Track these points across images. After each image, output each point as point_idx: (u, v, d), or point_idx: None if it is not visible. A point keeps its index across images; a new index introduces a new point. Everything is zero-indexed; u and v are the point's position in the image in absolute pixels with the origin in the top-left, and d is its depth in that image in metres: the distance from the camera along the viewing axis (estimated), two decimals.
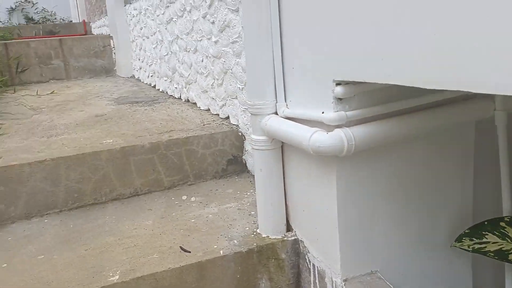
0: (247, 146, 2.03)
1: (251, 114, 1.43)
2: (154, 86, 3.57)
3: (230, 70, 2.07)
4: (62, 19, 12.08)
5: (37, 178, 1.74)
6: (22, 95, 3.54)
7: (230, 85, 2.10)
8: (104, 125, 2.31)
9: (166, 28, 3.00)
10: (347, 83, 1.15)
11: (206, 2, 2.22)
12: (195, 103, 2.67)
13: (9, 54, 4.19)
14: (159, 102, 2.91)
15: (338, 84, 1.16)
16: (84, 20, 7.11)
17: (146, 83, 3.81)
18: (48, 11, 12.03)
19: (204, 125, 2.18)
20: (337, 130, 1.16)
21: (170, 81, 3.10)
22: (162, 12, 3.03)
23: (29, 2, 11.91)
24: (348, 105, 1.19)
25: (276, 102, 1.39)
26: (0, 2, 11.51)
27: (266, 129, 1.39)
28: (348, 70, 1.09)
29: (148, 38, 3.54)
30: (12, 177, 1.70)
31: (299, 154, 1.37)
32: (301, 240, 1.47)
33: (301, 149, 1.23)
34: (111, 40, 4.54)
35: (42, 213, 1.75)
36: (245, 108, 1.98)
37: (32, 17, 11.92)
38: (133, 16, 3.92)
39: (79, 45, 4.44)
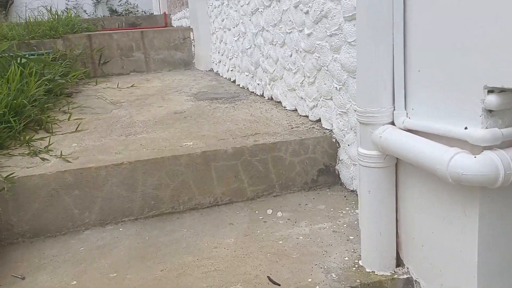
0: (342, 154, 1.76)
1: (360, 123, 1.17)
2: (234, 81, 3.39)
3: (325, 67, 1.82)
4: (144, 12, 12.40)
5: (113, 183, 1.60)
6: (103, 88, 3.52)
7: (324, 84, 1.84)
8: (183, 124, 2.16)
9: (250, 20, 2.80)
10: (502, 90, 0.86)
11: None
12: (279, 102, 2.44)
13: (93, 46, 4.22)
14: (240, 99, 2.72)
15: (490, 91, 0.87)
16: (165, 12, 7.15)
17: (226, 78, 3.65)
18: (130, 4, 12.40)
19: (292, 128, 1.94)
20: (488, 153, 0.87)
21: (252, 77, 2.90)
22: (246, 2, 2.83)
23: None
24: (502, 119, 0.90)
25: (394, 110, 1.12)
26: None
27: (380, 142, 1.12)
28: (508, 73, 0.80)
29: (229, 30, 3.36)
30: (88, 180, 1.58)
31: (423, 177, 1.09)
32: (416, 281, 1.19)
33: (430, 173, 0.96)
34: (191, 33, 4.44)
35: (117, 221, 1.61)
36: (342, 112, 1.71)
37: (115, 9, 12.35)
38: (215, 7, 3.76)
39: (160, 37, 4.38)
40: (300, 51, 2.05)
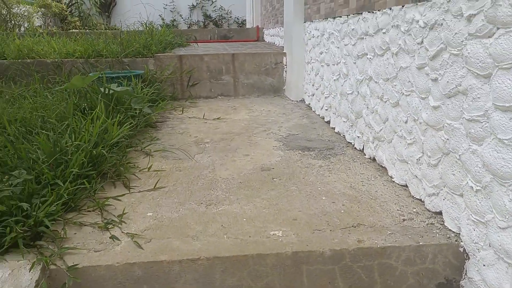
0: (471, 271, 1.37)
1: None
2: (328, 123, 3.06)
3: (456, 155, 1.44)
4: (237, 18, 12.42)
5: (187, 280, 1.36)
6: (189, 117, 3.36)
7: (453, 174, 1.46)
8: (271, 192, 1.87)
9: (355, 63, 2.45)
10: None
11: (427, 50, 1.60)
12: (384, 169, 2.08)
13: (183, 67, 4.11)
14: (336, 154, 2.39)
15: None
16: (257, 26, 6.97)
17: (318, 115, 3.33)
18: (224, 9, 12.48)
19: (404, 220, 1.58)
20: None
21: (351, 126, 2.55)
22: (352, 43, 2.49)
23: (209, 0, 12.49)
24: None
25: None
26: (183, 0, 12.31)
27: None
28: None
29: (328, 65, 3.03)
30: (158, 276, 1.35)
31: None
32: None
33: None
34: (284, 57, 4.17)
35: None
36: (477, 220, 1.32)
37: (209, 14, 12.49)
38: (312, 36, 3.45)
39: (251, 60, 4.16)
40: (420, 122, 1.68)
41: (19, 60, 3.97)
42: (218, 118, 3.30)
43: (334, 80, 2.87)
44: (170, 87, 4.10)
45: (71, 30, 9.51)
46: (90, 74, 3.70)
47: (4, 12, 7.28)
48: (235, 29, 7.04)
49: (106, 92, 2.69)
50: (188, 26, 12.38)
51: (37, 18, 9.41)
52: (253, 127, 3.05)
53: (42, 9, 9.44)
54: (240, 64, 4.16)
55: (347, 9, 2.59)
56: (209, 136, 2.83)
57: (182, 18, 12.37)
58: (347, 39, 2.58)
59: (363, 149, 2.38)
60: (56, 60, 3.98)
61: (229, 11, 12.43)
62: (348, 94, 2.59)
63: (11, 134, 2.24)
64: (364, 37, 2.29)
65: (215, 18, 12.47)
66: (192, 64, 4.12)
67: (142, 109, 2.82)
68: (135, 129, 2.74)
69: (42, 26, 9.65)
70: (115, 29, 11.99)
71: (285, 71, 4.19)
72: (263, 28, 6.93)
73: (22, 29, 8.04)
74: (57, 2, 10.73)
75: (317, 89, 3.37)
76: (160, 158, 2.36)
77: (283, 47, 5.03)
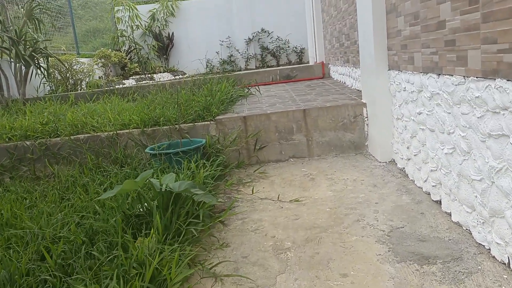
0: None
1: None
2: (438, 203, 2.41)
3: None
4: (295, 47, 11.95)
5: None
6: (261, 198, 2.83)
7: None
8: None
9: (484, 142, 1.81)
10: None
11: None
12: None
13: (248, 130, 3.61)
14: (470, 272, 1.73)
15: None
16: (322, 63, 6.41)
17: (420, 188, 2.67)
18: (281, 39, 12.06)
19: None
20: None
21: (483, 223, 1.89)
22: (477, 114, 1.85)
23: (265, 32, 12.14)
24: None
25: None
26: (238, 33, 12.03)
27: None
28: None
29: (433, 132, 2.40)
30: None
31: None
32: None
33: None
34: (364, 109, 3.55)
35: None
36: None
37: (267, 46, 12.11)
38: (403, 90, 2.83)
39: (325, 115, 3.59)
40: None
41: (73, 137, 3.66)
42: (296, 200, 2.73)
43: (446, 153, 2.22)
44: (234, 152, 3.62)
45: (125, 85, 9.47)
46: (146, 150, 3.29)
47: (64, 71, 7.26)
48: (298, 67, 6.50)
49: (164, 190, 2.22)
50: (246, 60, 12.07)
51: (97, 69, 9.46)
52: (341, 214, 2.45)
53: (102, 59, 9.48)
54: (313, 121, 3.60)
55: (463, 69, 1.95)
56: (289, 234, 2.27)
57: (239, 52, 12.08)
58: (466, 107, 1.94)
59: (509, 262, 1.71)
60: (111, 133, 3.63)
61: (287, 40, 11.98)
62: (474, 180, 1.93)
63: (52, 267, 1.82)
64: (503, 112, 1.65)
65: (273, 50, 12.07)
66: (258, 125, 3.62)
67: (204, 210, 2.33)
68: (198, 233, 2.24)
69: (103, 76, 9.70)
70: (174, 71, 11.96)
71: (366, 125, 3.57)
72: (328, 63, 6.36)
73: (84, 83, 8.03)
74: (117, 50, 10.83)
75: (415, 155, 2.72)
76: (233, 287, 1.83)
77: (358, 90, 4.42)
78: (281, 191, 2.93)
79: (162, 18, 12.04)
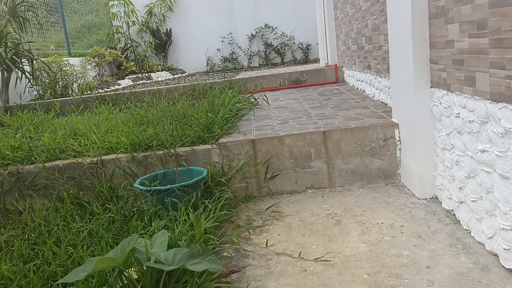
0: None
1: None
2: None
3: None
4: (301, 44, 11.33)
5: None
6: (277, 253, 2.25)
7: None
8: None
9: None
10: None
11: None
12: None
13: (257, 155, 3.04)
14: None
15: None
16: (335, 65, 5.80)
17: (480, 243, 2.10)
18: (286, 35, 11.43)
19: None
20: None
21: None
22: None
23: (269, 27, 11.50)
24: None
25: None
26: (240, 29, 11.39)
27: None
28: None
29: (506, 178, 1.82)
30: None
31: None
32: None
33: None
34: (396, 130, 2.97)
35: None
36: None
37: (270, 42, 11.49)
38: (456, 116, 2.25)
39: (349, 138, 3.01)
40: None
41: (50, 165, 3.08)
42: (322, 260, 2.16)
43: None
44: (242, 182, 3.04)
45: (121, 86, 8.86)
46: (135, 185, 2.72)
47: (52, 73, 6.66)
48: (308, 70, 5.88)
49: (152, 270, 1.65)
50: (248, 57, 11.43)
51: (90, 69, 8.86)
52: (384, 285, 1.88)
53: (96, 59, 8.87)
54: (334, 145, 3.02)
55: None
56: None
57: (241, 49, 11.45)
58: None
59: None
60: (96, 160, 3.05)
61: (292, 36, 11.34)
62: None
63: None
64: None
65: (277, 46, 11.43)
66: (269, 149, 3.04)
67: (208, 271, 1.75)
68: None
69: (97, 76, 9.10)
70: (172, 69, 11.33)
71: (399, 150, 2.99)
72: (342, 66, 5.76)
73: (76, 86, 7.43)
74: (112, 48, 10.21)
75: (473, 201, 2.15)
76: None
77: (382, 103, 3.83)
78: (301, 242, 2.36)
79: (160, 13, 11.40)
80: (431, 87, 2.58)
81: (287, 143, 3.04)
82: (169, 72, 10.87)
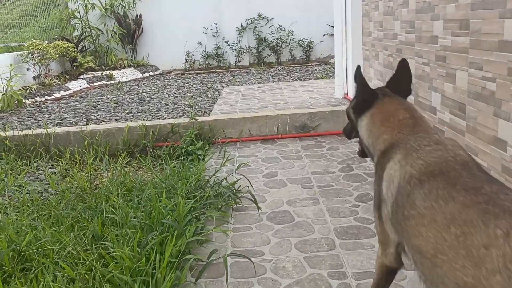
0: None
1: None
2: None
3: None
4: (301, 41, 9.28)
5: None
6: None
7: None
8: None
9: None
10: None
11: None
12: None
13: None
14: None
15: None
16: None
17: None
18: (284, 29, 9.35)
19: None
20: None
21: None
22: None
23: (263, 18, 9.40)
24: None
25: None
26: (228, 19, 9.28)
27: None
28: None
29: None
30: None
31: None
32: None
33: None
34: None
35: None
36: None
37: (264, 37, 9.40)
38: None
39: None
40: None
41: None
42: None
43: None
44: None
45: (69, 91, 6.73)
46: None
47: None
48: (320, 112, 3.83)
49: None
50: (237, 54, 9.35)
51: (28, 69, 6.74)
52: None
53: (36, 55, 6.74)
54: None
55: None
56: None
57: (228, 44, 9.33)
58: None
59: None
60: None
61: (291, 31, 9.25)
62: None
63: None
64: None
65: (272, 42, 9.36)
66: None
67: None
68: None
69: (38, 77, 6.99)
70: (142, 65, 9.20)
71: None
72: None
73: None
74: (63, 39, 8.04)
75: None
76: None
77: None
78: None
79: None
80: None
81: None
82: (138, 70, 8.77)
